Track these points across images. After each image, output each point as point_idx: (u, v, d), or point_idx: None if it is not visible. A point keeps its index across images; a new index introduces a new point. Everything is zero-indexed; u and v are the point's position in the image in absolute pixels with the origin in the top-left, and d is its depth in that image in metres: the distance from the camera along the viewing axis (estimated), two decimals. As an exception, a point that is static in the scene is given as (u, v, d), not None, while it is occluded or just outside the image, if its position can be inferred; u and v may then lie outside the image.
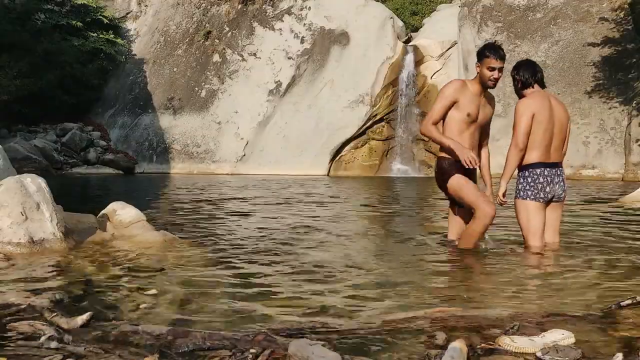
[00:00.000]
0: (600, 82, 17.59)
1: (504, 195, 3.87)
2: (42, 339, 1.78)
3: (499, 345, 1.76)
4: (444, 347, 1.73)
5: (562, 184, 3.89)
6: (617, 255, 3.78)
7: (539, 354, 1.69)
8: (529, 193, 3.81)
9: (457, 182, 3.80)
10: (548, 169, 3.82)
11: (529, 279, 3.09)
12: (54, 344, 1.75)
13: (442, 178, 3.89)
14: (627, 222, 5.91)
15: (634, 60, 17.44)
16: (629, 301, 2.23)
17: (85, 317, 2.07)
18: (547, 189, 3.80)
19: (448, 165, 3.85)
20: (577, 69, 17.94)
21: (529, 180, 3.82)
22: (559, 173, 3.89)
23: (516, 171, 3.91)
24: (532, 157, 3.80)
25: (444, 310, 2.24)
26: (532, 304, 2.45)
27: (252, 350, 1.67)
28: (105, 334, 1.89)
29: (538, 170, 3.80)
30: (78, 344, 1.77)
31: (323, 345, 1.71)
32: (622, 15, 18.02)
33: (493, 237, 4.18)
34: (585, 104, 17.45)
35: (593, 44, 18.00)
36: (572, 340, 1.79)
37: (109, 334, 1.89)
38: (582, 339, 1.83)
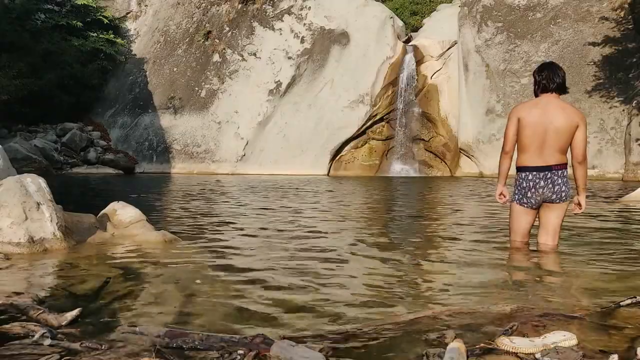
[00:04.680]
0: (601, 81, 17.58)
1: (500, 196, 3.96)
2: (36, 336, 1.77)
3: (497, 346, 1.76)
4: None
5: (551, 186, 3.75)
6: (617, 254, 3.78)
7: (537, 356, 1.68)
8: (516, 196, 3.90)
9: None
10: (534, 172, 3.78)
11: (529, 279, 3.09)
12: (47, 342, 1.74)
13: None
14: (627, 221, 5.91)
15: (634, 59, 17.43)
16: (629, 301, 2.23)
17: (74, 312, 2.03)
18: (529, 194, 3.81)
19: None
20: (578, 69, 17.92)
21: (517, 183, 3.90)
22: (548, 176, 3.76)
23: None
24: (520, 160, 3.86)
25: (445, 310, 2.24)
26: (532, 304, 2.44)
27: (239, 352, 1.66)
28: (103, 333, 1.89)
29: (523, 174, 3.85)
30: (74, 341, 1.76)
31: (322, 349, 1.70)
32: (622, 15, 18.00)
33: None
34: (585, 103, 17.44)
35: (593, 44, 17.98)
36: (575, 342, 1.77)
37: (106, 334, 1.88)
38: (581, 339, 1.82)
